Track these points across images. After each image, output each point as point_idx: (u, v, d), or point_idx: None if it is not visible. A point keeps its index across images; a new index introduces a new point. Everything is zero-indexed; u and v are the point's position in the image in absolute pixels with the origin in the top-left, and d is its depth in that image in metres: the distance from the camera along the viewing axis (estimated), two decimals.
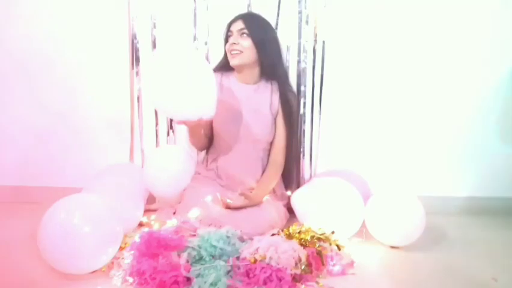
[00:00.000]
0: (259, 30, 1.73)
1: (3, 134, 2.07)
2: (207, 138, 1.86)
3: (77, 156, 2.07)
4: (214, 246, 1.29)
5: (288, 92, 1.81)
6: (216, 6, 1.92)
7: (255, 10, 1.91)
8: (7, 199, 2.05)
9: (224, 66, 1.81)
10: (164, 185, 1.82)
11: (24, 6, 1.97)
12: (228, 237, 1.36)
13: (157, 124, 2.01)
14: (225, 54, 1.78)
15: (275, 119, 1.81)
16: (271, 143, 1.83)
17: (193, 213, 1.55)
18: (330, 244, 1.46)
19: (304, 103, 1.96)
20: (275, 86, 1.81)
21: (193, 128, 1.68)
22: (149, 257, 1.30)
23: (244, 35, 1.71)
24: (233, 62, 1.73)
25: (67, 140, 2.06)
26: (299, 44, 1.92)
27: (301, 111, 1.95)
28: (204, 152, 1.95)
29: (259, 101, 1.80)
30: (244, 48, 1.70)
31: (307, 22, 1.90)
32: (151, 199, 1.92)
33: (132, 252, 1.36)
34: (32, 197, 2.03)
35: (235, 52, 1.71)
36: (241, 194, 1.63)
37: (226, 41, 1.75)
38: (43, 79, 2.03)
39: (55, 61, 2.01)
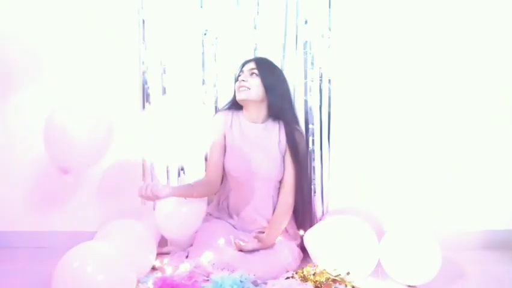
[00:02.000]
0: (268, 72, 1.81)
1: (16, 179, 2.10)
2: (208, 187, 1.83)
3: (89, 200, 2.08)
4: None
5: (294, 132, 1.84)
6: (224, 50, 1.98)
7: (261, 52, 1.97)
8: (20, 244, 2.05)
9: (234, 105, 1.87)
10: (176, 227, 1.83)
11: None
12: (241, 282, 1.34)
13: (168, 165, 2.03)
14: (235, 93, 1.84)
15: (284, 157, 1.83)
16: (280, 182, 1.84)
17: (206, 257, 1.54)
18: (346, 286, 1.43)
19: (313, 140, 1.97)
20: (283, 125, 1.85)
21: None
22: None
23: (254, 74, 1.79)
24: (239, 96, 1.79)
25: (79, 184, 2.08)
26: (305, 84, 1.96)
27: (311, 148, 1.96)
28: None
29: (268, 140, 1.83)
30: (252, 86, 1.77)
31: (312, 63, 1.95)
32: (163, 242, 1.92)
33: None
34: (44, 241, 2.04)
35: (242, 89, 1.77)
36: (255, 237, 1.63)
37: (237, 80, 1.82)
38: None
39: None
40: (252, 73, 1.79)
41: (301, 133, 1.90)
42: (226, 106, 1.91)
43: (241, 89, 1.78)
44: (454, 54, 1.98)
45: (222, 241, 1.63)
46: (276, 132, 1.85)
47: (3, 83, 2.07)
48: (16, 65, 2.04)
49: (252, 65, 1.81)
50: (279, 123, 1.86)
